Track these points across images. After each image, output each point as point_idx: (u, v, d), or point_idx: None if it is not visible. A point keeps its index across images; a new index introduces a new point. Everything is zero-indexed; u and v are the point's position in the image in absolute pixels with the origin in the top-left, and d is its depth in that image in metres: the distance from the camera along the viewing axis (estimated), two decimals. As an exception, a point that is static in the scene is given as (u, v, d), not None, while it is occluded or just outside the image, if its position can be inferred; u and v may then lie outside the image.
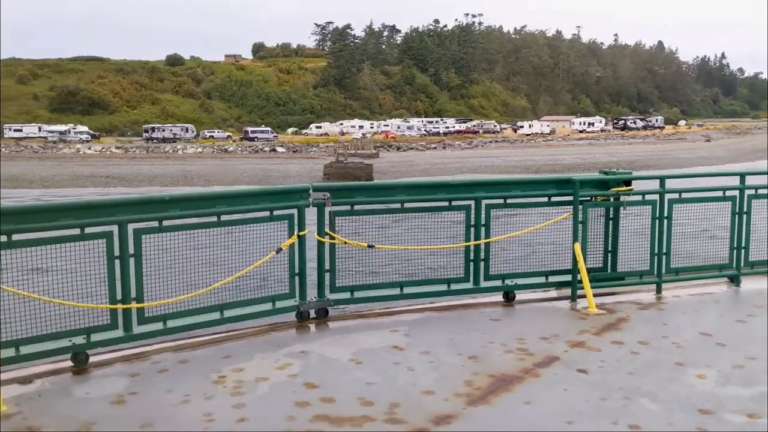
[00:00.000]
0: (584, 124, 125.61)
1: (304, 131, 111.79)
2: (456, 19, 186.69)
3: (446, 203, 7.50)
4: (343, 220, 7.05)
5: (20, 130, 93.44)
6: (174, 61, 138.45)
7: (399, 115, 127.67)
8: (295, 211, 6.77)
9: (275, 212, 6.68)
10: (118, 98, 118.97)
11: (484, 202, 7.52)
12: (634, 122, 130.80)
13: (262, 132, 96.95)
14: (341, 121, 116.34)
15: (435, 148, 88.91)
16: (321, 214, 6.92)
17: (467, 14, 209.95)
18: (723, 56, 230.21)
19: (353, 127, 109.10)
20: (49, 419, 4.66)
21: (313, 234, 6.89)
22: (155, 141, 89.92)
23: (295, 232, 6.72)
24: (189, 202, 6.34)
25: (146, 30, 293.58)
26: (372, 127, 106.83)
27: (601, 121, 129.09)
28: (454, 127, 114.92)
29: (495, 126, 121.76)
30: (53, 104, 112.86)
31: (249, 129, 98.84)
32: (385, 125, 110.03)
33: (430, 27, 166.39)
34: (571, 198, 7.66)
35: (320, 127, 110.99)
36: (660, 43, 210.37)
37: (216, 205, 6.40)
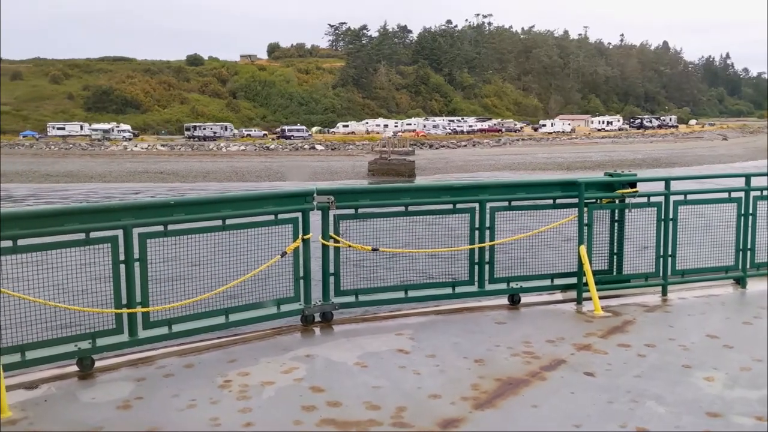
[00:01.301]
0: (603, 122, 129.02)
1: (332, 130, 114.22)
2: (466, 20, 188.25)
3: (450, 206, 7.48)
4: (347, 224, 7.04)
5: (63, 128, 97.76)
6: (194, 61, 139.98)
7: (416, 114, 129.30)
8: (299, 215, 6.76)
9: (280, 216, 6.68)
10: (149, 98, 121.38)
11: (489, 204, 7.51)
12: (650, 121, 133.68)
13: (297, 130, 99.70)
14: (366, 120, 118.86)
15: (465, 145, 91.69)
16: (325, 218, 6.91)
17: (477, 14, 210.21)
18: (728, 56, 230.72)
19: (378, 125, 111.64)
20: (55, 424, 4.66)
21: (318, 237, 6.89)
22: (196, 139, 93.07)
23: (300, 236, 6.71)
24: (194, 206, 6.33)
25: (154, 30, 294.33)
26: (396, 126, 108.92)
27: (619, 120, 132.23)
28: (475, 125, 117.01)
29: (515, 125, 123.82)
30: (88, 103, 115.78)
31: (286, 128, 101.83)
32: (407, 124, 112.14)
33: (443, 27, 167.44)
34: (576, 200, 7.65)
35: (347, 126, 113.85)
36: (665, 43, 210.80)
37: (221, 209, 6.39)
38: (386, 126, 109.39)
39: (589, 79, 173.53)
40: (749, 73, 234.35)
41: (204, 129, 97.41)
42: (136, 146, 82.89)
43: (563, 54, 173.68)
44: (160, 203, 6.23)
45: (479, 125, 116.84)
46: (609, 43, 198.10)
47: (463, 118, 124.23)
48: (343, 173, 61.86)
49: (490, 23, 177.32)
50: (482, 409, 4.86)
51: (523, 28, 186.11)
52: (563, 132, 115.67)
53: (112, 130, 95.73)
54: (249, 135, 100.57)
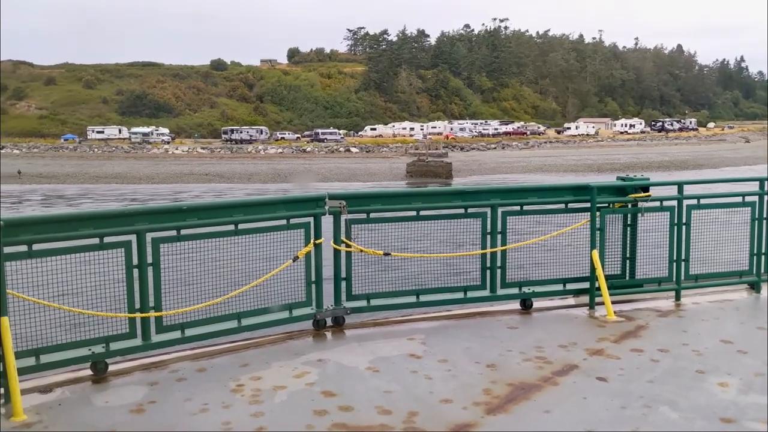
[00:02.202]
0: (625, 125, 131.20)
1: (360, 133, 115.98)
2: (483, 24, 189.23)
3: (462, 210, 7.47)
4: (359, 228, 7.05)
5: (102, 132, 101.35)
6: (218, 65, 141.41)
7: (437, 118, 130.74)
8: (311, 220, 6.78)
9: (292, 220, 6.70)
10: (180, 102, 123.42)
11: (501, 209, 7.50)
12: (671, 124, 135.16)
13: (330, 133, 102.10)
14: (393, 124, 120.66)
15: (495, 148, 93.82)
16: (337, 222, 6.93)
17: (495, 19, 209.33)
18: (742, 59, 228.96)
19: (404, 128, 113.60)
20: (69, 428, 4.70)
21: (330, 242, 6.90)
22: (234, 142, 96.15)
23: (312, 241, 6.73)
24: (206, 211, 6.37)
25: (157, 31, 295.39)
26: (422, 129, 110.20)
27: (641, 123, 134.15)
28: (500, 128, 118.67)
29: (539, 128, 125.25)
30: (122, 107, 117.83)
31: (319, 131, 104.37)
32: (433, 127, 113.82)
33: (461, 32, 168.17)
34: (588, 205, 7.62)
35: (375, 129, 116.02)
36: (679, 46, 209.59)
37: (233, 213, 6.42)
38: (413, 129, 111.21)
39: (605, 83, 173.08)
40: (764, 76, 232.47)
41: (241, 132, 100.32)
42: (176, 149, 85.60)
43: (579, 58, 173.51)
44: (172, 208, 6.27)
45: (503, 128, 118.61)
46: (624, 47, 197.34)
47: (486, 121, 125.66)
48: (381, 175, 63.17)
49: (506, 27, 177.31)
50: (494, 414, 4.85)
51: (538, 33, 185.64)
52: (587, 135, 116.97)
53: (152, 134, 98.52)
54: (283, 138, 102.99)
